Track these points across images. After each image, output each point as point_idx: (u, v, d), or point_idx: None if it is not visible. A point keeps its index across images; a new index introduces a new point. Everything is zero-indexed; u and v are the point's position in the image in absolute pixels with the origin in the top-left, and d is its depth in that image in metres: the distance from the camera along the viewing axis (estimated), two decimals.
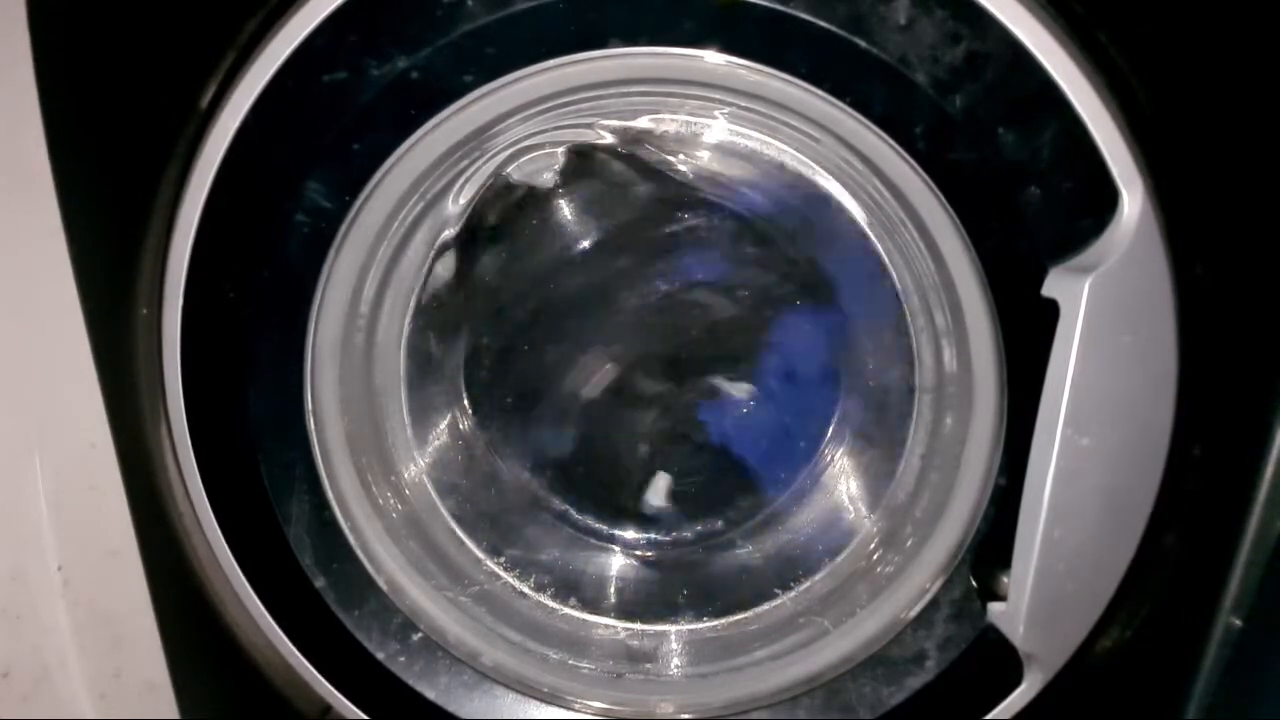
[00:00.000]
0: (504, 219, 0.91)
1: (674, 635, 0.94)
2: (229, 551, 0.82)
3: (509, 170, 0.87)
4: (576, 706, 0.89)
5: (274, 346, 0.79)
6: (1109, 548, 0.73)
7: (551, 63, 0.70)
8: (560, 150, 0.87)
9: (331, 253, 0.77)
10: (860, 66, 0.67)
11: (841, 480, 0.96)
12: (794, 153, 0.83)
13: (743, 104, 0.77)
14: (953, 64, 0.66)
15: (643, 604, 0.96)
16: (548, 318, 0.94)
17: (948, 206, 0.71)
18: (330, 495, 0.83)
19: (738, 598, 0.94)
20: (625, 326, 0.93)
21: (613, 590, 0.97)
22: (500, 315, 0.95)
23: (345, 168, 0.73)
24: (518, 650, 0.90)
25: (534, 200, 0.90)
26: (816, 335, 0.93)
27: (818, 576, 0.92)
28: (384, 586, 0.86)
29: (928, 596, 0.81)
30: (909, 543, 0.85)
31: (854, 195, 0.84)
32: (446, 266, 0.91)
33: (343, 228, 0.76)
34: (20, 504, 0.73)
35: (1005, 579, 0.75)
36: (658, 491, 0.97)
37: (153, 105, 0.75)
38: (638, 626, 0.94)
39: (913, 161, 0.70)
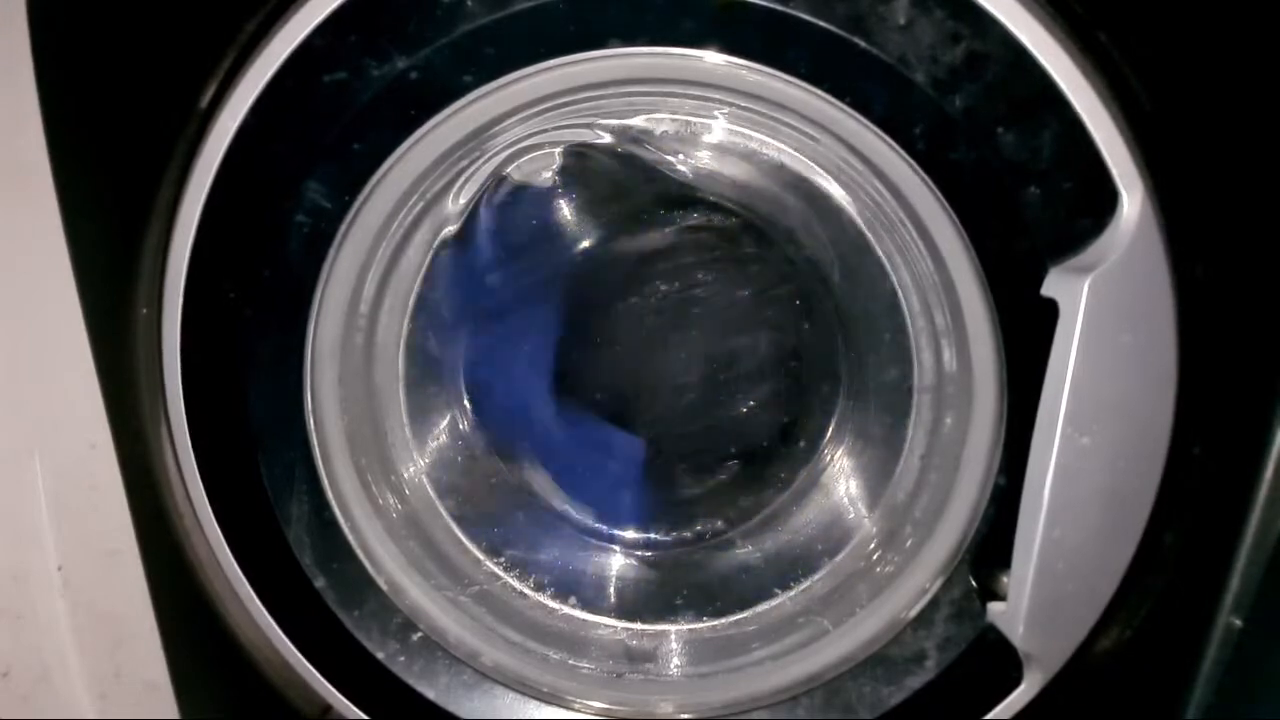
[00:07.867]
0: (503, 219, 0.91)
1: (674, 635, 0.93)
2: (229, 551, 0.82)
3: (509, 170, 0.87)
4: (576, 706, 0.89)
5: (274, 346, 0.79)
6: (1109, 547, 0.73)
7: (551, 63, 0.70)
8: (559, 150, 0.87)
9: (331, 253, 0.77)
10: (860, 66, 0.67)
11: (841, 480, 0.96)
12: (794, 153, 0.83)
13: (742, 104, 0.77)
14: (952, 64, 0.66)
15: (642, 604, 0.95)
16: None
17: (947, 206, 0.71)
18: (330, 495, 0.83)
19: (738, 598, 0.94)
20: (624, 326, 0.93)
21: (612, 590, 0.97)
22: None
23: (345, 168, 0.73)
24: (518, 650, 0.90)
25: (534, 200, 0.90)
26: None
27: (818, 576, 0.92)
28: (384, 586, 0.86)
29: (927, 596, 0.81)
30: (909, 543, 0.85)
31: (854, 195, 0.84)
32: (446, 266, 0.91)
33: (343, 228, 0.76)
34: (20, 504, 0.73)
35: (1005, 579, 0.75)
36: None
37: (152, 105, 0.75)
38: (637, 626, 0.94)
39: (912, 161, 0.70)
